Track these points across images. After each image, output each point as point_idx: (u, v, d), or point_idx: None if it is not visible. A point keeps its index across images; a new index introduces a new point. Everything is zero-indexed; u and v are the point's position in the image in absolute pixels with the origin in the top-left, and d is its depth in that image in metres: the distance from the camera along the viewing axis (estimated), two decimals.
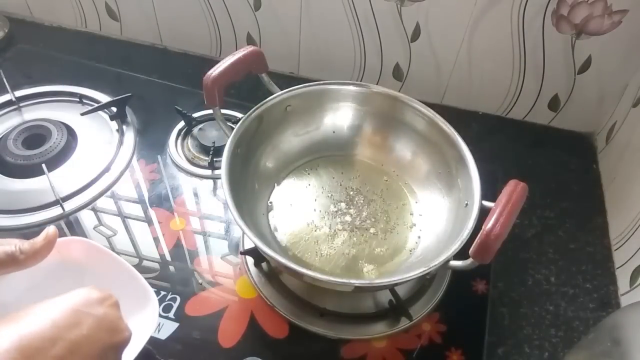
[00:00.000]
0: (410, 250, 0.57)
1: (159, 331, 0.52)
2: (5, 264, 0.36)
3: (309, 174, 0.65)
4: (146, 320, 0.44)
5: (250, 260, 0.57)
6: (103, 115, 0.76)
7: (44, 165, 0.65)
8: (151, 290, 0.45)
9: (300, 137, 0.65)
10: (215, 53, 0.90)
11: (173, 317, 0.53)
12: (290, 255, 0.56)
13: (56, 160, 0.68)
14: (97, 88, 0.79)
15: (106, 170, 0.68)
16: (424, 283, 0.57)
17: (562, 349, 0.54)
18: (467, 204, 0.52)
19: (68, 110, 0.76)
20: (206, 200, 0.67)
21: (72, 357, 0.27)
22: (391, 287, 0.54)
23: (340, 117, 0.65)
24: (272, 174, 0.63)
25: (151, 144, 0.73)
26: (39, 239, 0.39)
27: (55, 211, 0.62)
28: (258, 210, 0.59)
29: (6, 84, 0.76)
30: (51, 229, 0.40)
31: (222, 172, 0.51)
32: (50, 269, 0.42)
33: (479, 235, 0.43)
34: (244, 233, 0.52)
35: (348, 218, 0.59)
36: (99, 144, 0.72)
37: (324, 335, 0.52)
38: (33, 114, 0.75)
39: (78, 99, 0.78)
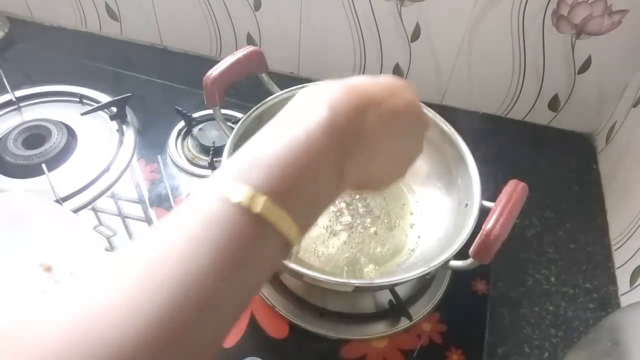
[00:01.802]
0: (410, 250, 0.57)
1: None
2: None
3: None
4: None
5: None
6: (103, 115, 0.76)
7: (44, 165, 0.65)
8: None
9: None
10: (215, 53, 0.90)
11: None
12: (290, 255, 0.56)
13: (56, 160, 0.68)
14: (97, 88, 0.79)
15: (106, 170, 0.68)
16: (424, 283, 0.57)
17: (562, 349, 0.54)
18: (467, 204, 0.52)
19: (68, 110, 0.76)
20: None
21: (390, 119, 0.29)
22: (391, 287, 0.54)
23: None
24: None
25: (151, 144, 0.73)
26: None
27: None
28: None
29: (6, 84, 0.76)
30: None
31: None
32: None
33: (479, 236, 0.43)
34: None
35: (348, 218, 0.59)
36: (99, 144, 0.72)
37: (324, 335, 0.52)
38: (33, 114, 0.75)
39: (78, 99, 0.78)
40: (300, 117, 0.26)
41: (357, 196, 0.62)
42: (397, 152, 0.32)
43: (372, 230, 0.59)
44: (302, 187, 0.24)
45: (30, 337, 0.19)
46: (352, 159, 0.27)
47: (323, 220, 0.59)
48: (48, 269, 0.51)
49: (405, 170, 0.35)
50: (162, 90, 0.83)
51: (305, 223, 0.25)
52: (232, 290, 0.22)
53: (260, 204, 0.22)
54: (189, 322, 0.20)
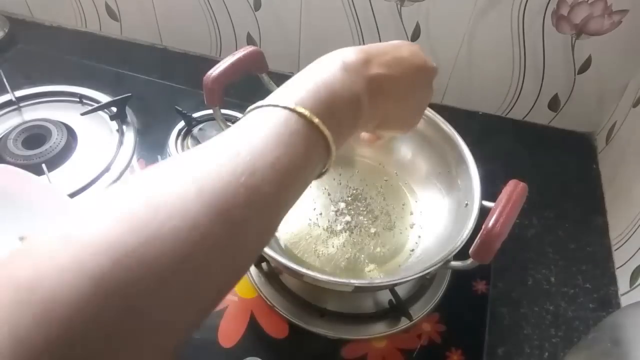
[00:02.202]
0: (411, 250, 0.57)
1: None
2: None
3: None
4: None
5: None
6: (103, 115, 0.76)
7: (44, 165, 0.65)
8: None
9: None
10: (215, 53, 0.90)
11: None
12: (290, 255, 0.56)
13: (56, 160, 0.68)
14: (97, 88, 0.79)
15: (106, 170, 0.68)
16: (424, 283, 0.57)
17: (562, 349, 0.54)
18: (467, 204, 0.52)
19: (68, 110, 0.76)
20: None
21: (395, 65, 0.35)
22: (391, 287, 0.54)
23: None
24: None
25: (151, 144, 0.73)
26: None
27: None
28: None
29: (6, 84, 0.76)
30: None
31: None
32: None
33: (479, 235, 0.43)
34: None
35: (348, 218, 0.59)
36: (99, 144, 0.72)
37: (324, 335, 0.52)
38: (33, 114, 0.75)
39: (78, 99, 0.78)
40: (322, 66, 0.32)
41: (357, 196, 0.62)
42: (407, 95, 0.37)
43: (372, 230, 0.59)
44: (334, 112, 0.30)
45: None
46: (367, 100, 0.32)
47: (323, 221, 0.59)
48: None
49: (418, 114, 0.40)
50: (162, 90, 0.83)
51: (336, 141, 0.30)
52: (295, 183, 0.27)
53: (315, 118, 0.28)
54: (267, 196, 0.25)
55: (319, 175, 0.31)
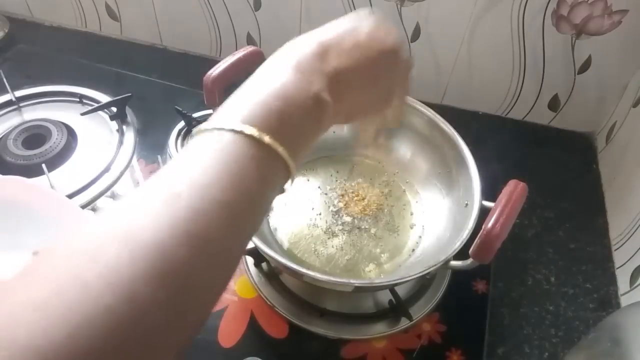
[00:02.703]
0: (411, 250, 0.57)
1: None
2: None
3: (308, 174, 0.65)
4: None
5: (250, 260, 0.57)
6: (103, 115, 0.76)
7: (44, 165, 0.65)
8: None
9: None
10: (215, 53, 0.90)
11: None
12: (290, 255, 0.56)
13: (56, 160, 0.68)
14: (97, 88, 0.79)
15: (106, 170, 0.68)
16: (424, 283, 0.57)
17: (562, 349, 0.54)
18: (467, 204, 0.52)
19: (68, 110, 0.76)
20: None
21: (355, 53, 0.31)
22: (391, 287, 0.54)
23: None
24: None
25: (151, 144, 0.73)
26: None
27: None
28: None
29: (6, 84, 0.76)
30: None
31: None
32: None
33: (479, 235, 0.43)
34: None
35: (348, 218, 0.59)
36: (99, 144, 0.72)
37: (324, 335, 0.52)
38: (33, 114, 0.75)
39: (78, 99, 0.78)
40: (274, 69, 0.29)
41: (357, 196, 0.62)
42: (371, 82, 0.34)
43: (372, 230, 0.59)
44: (291, 121, 0.27)
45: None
46: (329, 97, 0.30)
47: (323, 221, 0.59)
48: None
49: (389, 97, 0.37)
50: (162, 90, 0.83)
51: (295, 153, 0.27)
52: (250, 217, 0.25)
53: (266, 136, 0.25)
54: (216, 242, 0.22)
55: (282, 192, 0.28)
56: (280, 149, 0.26)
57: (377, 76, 0.34)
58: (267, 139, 0.25)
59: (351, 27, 0.33)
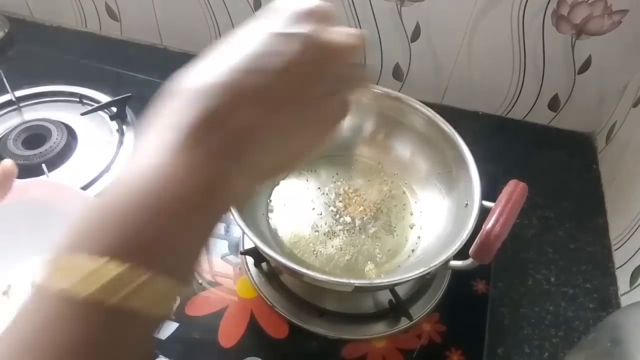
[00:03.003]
0: (411, 250, 0.57)
1: (159, 331, 0.52)
2: None
3: (308, 174, 0.65)
4: None
5: (250, 260, 0.57)
6: (103, 115, 0.76)
7: (44, 165, 0.65)
8: None
9: None
10: None
11: (173, 317, 0.53)
12: (290, 255, 0.56)
13: (56, 160, 0.68)
14: (97, 88, 0.79)
15: (106, 170, 0.68)
16: (424, 283, 0.57)
17: (562, 349, 0.54)
18: (467, 204, 0.52)
19: (68, 110, 0.76)
20: None
21: (264, 102, 0.23)
22: (391, 287, 0.53)
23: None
24: None
25: None
26: None
27: None
28: (258, 210, 0.59)
29: (6, 84, 0.76)
30: (8, 162, 0.37)
31: None
32: (11, 209, 0.39)
33: (479, 235, 0.43)
34: (244, 233, 0.52)
35: (348, 218, 0.59)
36: (99, 144, 0.72)
37: (324, 335, 0.52)
38: (33, 114, 0.75)
39: (78, 99, 0.78)
40: (149, 160, 0.21)
41: (357, 196, 0.62)
42: (296, 128, 0.24)
43: (372, 230, 0.59)
44: (164, 247, 0.20)
45: None
46: (223, 179, 0.22)
47: (323, 221, 0.59)
48: None
49: (314, 141, 0.26)
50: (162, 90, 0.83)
51: (183, 269, 0.21)
52: None
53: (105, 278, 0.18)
54: None
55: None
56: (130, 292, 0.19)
57: (305, 117, 0.24)
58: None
59: (255, 54, 0.23)
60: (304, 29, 0.23)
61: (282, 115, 0.23)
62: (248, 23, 0.25)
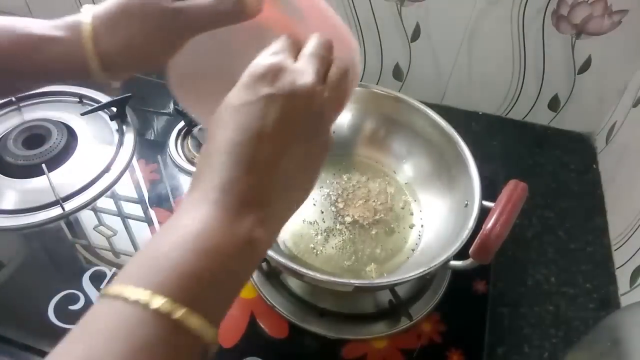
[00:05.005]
0: (411, 250, 0.57)
1: None
2: (227, 15, 0.33)
3: None
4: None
5: None
6: (103, 115, 0.76)
7: (44, 165, 0.65)
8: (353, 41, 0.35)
9: None
10: None
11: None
12: (290, 255, 0.56)
13: (56, 160, 0.68)
14: (97, 88, 0.79)
15: (106, 170, 0.68)
16: (424, 283, 0.57)
17: (562, 349, 0.54)
18: (467, 204, 0.52)
19: (68, 110, 0.76)
20: None
21: (272, 141, 0.27)
22: (391, 287, 0.54)
23: (339, 116, 0.65)
24: None
25: (151, 144, 0.73)
26: None
27: (55, 211, 0.62)
28: None
29: None
30: None
31: None
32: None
33: (479, 235, 0.43)
34: None
35: (348, 218, 0.59)
36: (99, 144, 0.72)
37: (324, 335, 0.52)
38: (33, 114, 0.75)
39: (78, 99, 0.78)
40: (194, 213, 0.25)
41: (357, 196, 0.62)
42: (304, 158, 0.29)
43: (372, 230, 0.59)
44: (210, 284, 0.24)
45: None
46: (261, 225, 0.26)
47: (323, 221, 0.59)
48: None
49: (315, 173, 0.31)
50: (162, 90, 0.83)
51: (219, 317, 0.25)
52: None
53: (159, 302, 0.21)
54: None
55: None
56: (197, 323, 0.22)
57: (306, 146, 0.29)
58: (179, 312, 0.21)
59: (250, 119, 0.27)
60: (269, 89, 0.27)
61: (284, 164, 0.27)
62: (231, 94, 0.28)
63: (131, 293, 0.21)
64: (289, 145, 0.27)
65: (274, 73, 0.28)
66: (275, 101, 0.27)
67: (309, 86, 0.28)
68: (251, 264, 0.27)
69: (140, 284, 0.22)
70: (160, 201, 0.65)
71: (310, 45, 0.31)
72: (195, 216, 0.25)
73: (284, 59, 0.29)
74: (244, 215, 0.25)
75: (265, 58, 0.29)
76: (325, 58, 0.31)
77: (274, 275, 0.57)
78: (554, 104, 0.78)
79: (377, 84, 0.81)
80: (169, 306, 0.21)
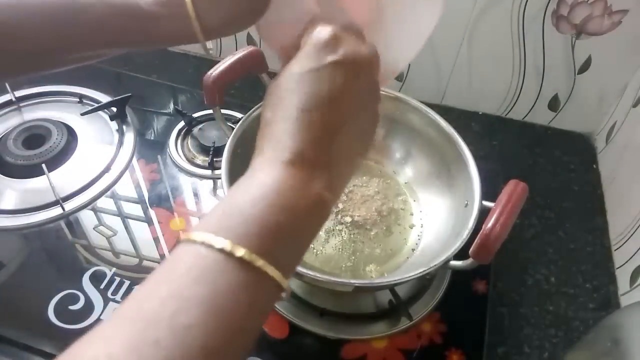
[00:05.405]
0: (411, 250, 0.57)
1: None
2: None
3: None
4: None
5: None
6: (103, 115, 0.76)
7: (44, 165, 0.65)
8: None
9: None
10: (215, 53, 0.90)
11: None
12: None
13: (56, 160, 0.68)
14: (97, 88, 0.79)
15: (106, 170, 0.68)
16: (424, 283, 0.57)
17: (562, 349, 0.54)
18: (467, 204, 0.52)
19: (68, 110, 0.76)
20: (206, 200, 0.67)
21: (340, 106, 0.28)
22: (391, 287, 0.54)
23: None
24: None
25: (151, 144, 0.73)
26: None
27: (55, 211, 0.62)
28: None
29: (6, 84, 0.76)
30: None
31: (222, 172, 0.51)
32: None
33: (478, 236, 0.43)
34: None
35: (348, 219, 0.59)
36: (99, 144, 0.72)
37: (324, 335, 0.52)
38: (33, 114, 0.75)
39: (78, 99, 0.78)
40: (269, 172, 0.27)
41: (357, 196, 0.62)
42: (361, 122, 0.31)
43: (373, 231, 0.59)
44: (285, 238, 0.25)
45: None
46: (330, 187, 0.28)
47: None
48: None
49: (375, 120, 0.33)
50: (162, 90, 0.83)
51: (290, 269, 0.27)
52: (229, 343, 0.22)
53: (259, 260, 0.23)
54: None
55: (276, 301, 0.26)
56: (274, 273, 0.24)
57: (364, 114, 0.31)
58: (260, 262, 0.23)
59: (319, 84, 0.29)
60: (336, 56, 0.29)
61: (348, 128, 0.29)
62: (295, 62, 0.30)
63: (215, 241, 0.23)
64: (352, 111, 0.29)
65: (335, 42, 0.29)
66: (340, 68, 0.28)
67: (369, 55, 0.30)
68: (319, 222, 0.28)
69: (221, 234, 0.23)
70: (160, 201, 0.65)
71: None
72: (270, 174, 0.26)
73: (342, 30, 0.30)
74: (315, 176, 0.27)
75: (326, 28, 0.30)
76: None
77: None
78: (553, 104, 0.78)
79: None
80: (249, 256, 0.23)
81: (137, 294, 0.22)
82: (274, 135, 0.28)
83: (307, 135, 0.27)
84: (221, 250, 0.23)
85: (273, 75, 0.63)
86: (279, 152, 0.27)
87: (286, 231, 0.25)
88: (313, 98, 0.28)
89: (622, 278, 0.60)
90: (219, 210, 0.26)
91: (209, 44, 0.37)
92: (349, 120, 0.29)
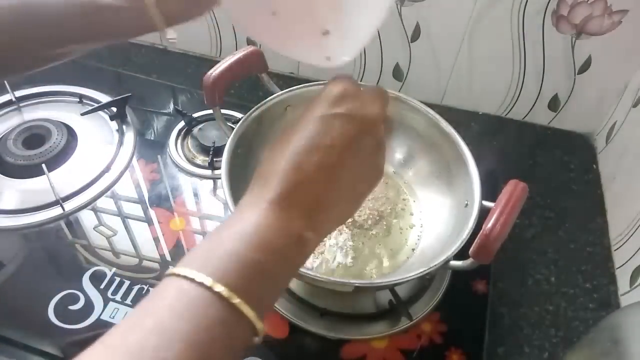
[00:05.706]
0: (411, 250, 0.57)
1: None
2: None
3: None
4: None
5: None
6: (103, 115, 0.76)
7: (44, 165, 0.65)
8: None
9: None
10: (215, 53, 0.90)
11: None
12: None
13: (56, 160, 0.68)
14: (97, 88, 0.79)
15: (106, 170, 0.68)
16: (424, 283, 0.57)
17: (562, 349, 0.54)
18: (467, 204, 0.52)
19: (68, 110, 0.76)
20: (206, 200, 0.67)
21: (333, 154, 0.30)
22: (391, 287, 0.54)
23: None
24: None
25: (151, 144, 0.73)
26: None
27: (55, 211, 0.62)
28: None
29: (6, 84, 0.76)
30: None
31: (222, 172, 0.51)
32: None
33: (479, 236, 0.43)
34: None
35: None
36: (99, 144, 0.72)
37: (324, 335, 0.52)
38: (33, 114, 0.75)
39: (78, 99, 0.78)
40: (251, 213, 0.28)
41: None
42: (358, 175, 0.32)
43: (373, 231, 0.59)
44: (263, 277, 0.26)
45: None
46: (312, 228, 0.29)
47: None
48: None
49: (364, 193, 0.33)
50: (162, 90, 0.83)
51: (264, 310, 0.27)
52: None
53: (220, 288, 0.24)
54: None
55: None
56: (249, 313, 0.24)
57: (362, 166, 0.31)
58: (236, 300, 0.24)
59: (311, 136, 0.30)
60: (342, 109, 0.30)
61: (339, 177, 0.30)
62: (304, 109, 0.32)
63: (196, 276, 0.24)
64: (347, 161, 0.30)
65: (345, 97, 0.31)
66: (341, 119, 0.30)
67: (375, 115, 0.32)
68: (299, 260, 0.29)
69: (203, 270, 0.24)
70: (160, 201, 0.65)
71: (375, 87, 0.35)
72: (254, 212, 0.27)
73: (356, 87, 0.32)
74: (296, 216, 0.28)
75: (340, 83, 0.32)
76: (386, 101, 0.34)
77: None
78: (554, 104, 0.78)
79: (377, 84, 0.82)
80: (227, 293, 0.24)
81: (123, 324, 0.23)
82: (263, 174, 0.30)
83: (294, 176, 0.29)
84: (201, 285, 0.24)
85: (273, 75, 0.63)
86: (264, 190, 0.28)
87: (263, 269, 0.26)
88: (307, 142, 0.29)
89: (622, 278, 0.60)
90: (204, 245, 0.27)
91: (172, 33, 0.37)
92: (342, 168, 0.30)
